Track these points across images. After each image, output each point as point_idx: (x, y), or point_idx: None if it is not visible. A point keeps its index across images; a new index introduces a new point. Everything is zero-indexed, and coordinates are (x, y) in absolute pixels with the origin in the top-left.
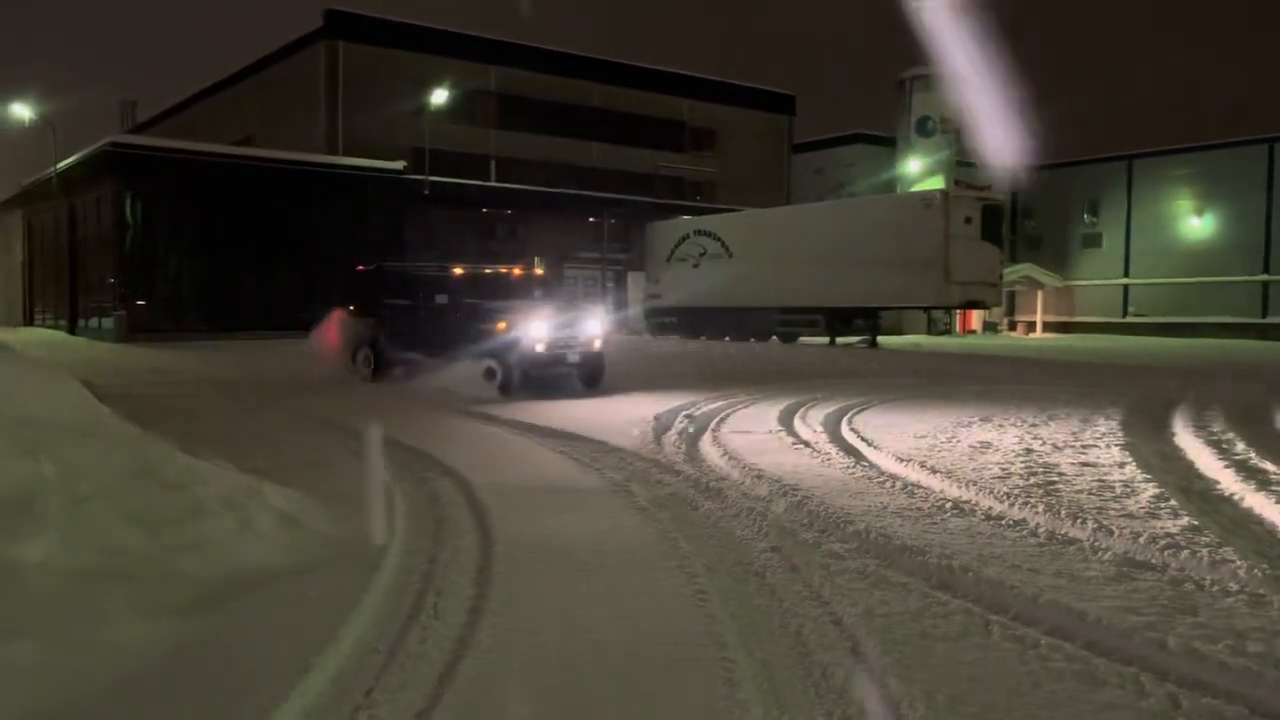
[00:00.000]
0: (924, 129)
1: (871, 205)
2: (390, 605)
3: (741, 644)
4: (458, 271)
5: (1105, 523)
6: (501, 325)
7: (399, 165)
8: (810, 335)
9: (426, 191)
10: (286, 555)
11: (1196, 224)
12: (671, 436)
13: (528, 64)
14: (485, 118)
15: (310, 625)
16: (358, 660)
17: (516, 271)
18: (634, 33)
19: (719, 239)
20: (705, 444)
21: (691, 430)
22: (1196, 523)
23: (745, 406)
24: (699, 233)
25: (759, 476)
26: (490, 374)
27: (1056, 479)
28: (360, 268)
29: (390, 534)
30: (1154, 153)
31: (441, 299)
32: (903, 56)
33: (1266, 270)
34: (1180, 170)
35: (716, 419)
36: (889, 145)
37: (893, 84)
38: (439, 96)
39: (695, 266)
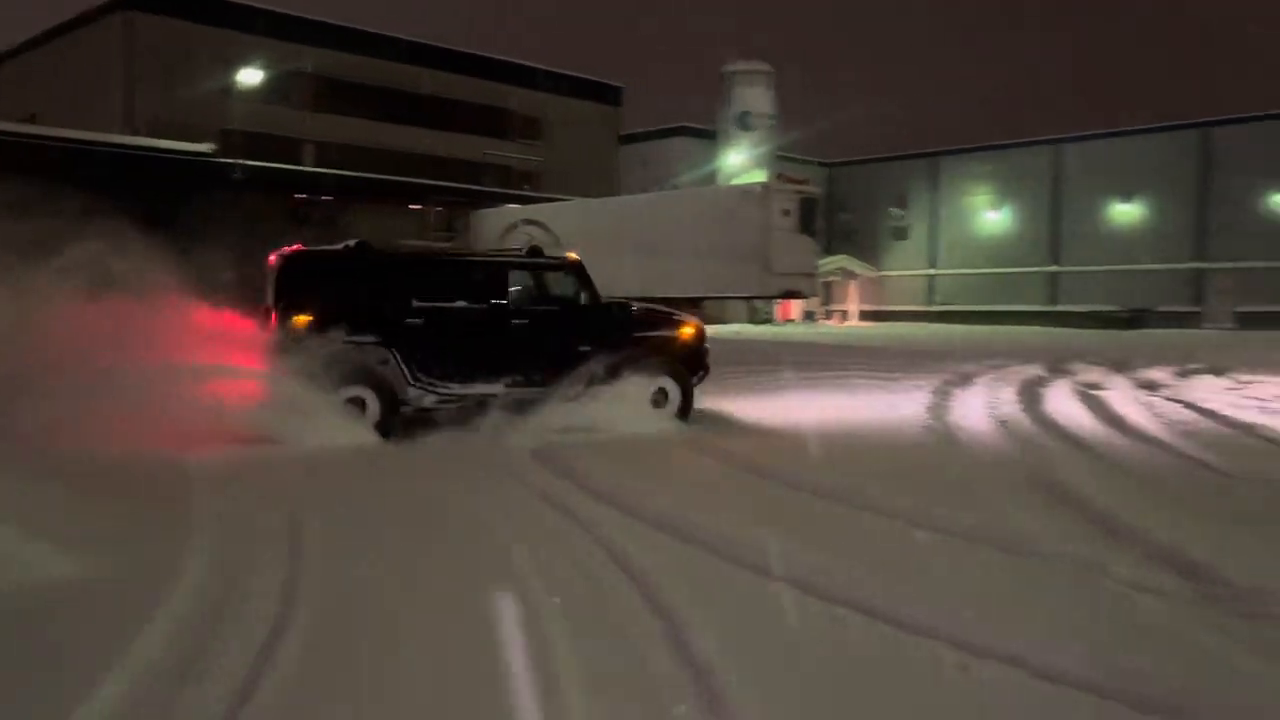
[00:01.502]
0: (744, 123)
1: (695, 197)
2: None
3: None
4: (498, 260)
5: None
6: (687, 329)
7: (206, 148)
8: None
9: (237, 176)
10: None
11: (995, 218)
12: None
13: (348, 46)
14: (303, 100)
15: None
16: None
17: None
18: (461, 18)
19: (547, 229)
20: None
21: None
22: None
23: None
24: (527, 222)
25: None
26: (660, 397)
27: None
28: (293, 253)
29: None
30: (957, 151)
31: (503, 299)
32: (726, 51)
33: (1055, 262)
34: (981, 168)
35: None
36: (712, 138)
37: (716, 78)
38: (250, 76)
39: None
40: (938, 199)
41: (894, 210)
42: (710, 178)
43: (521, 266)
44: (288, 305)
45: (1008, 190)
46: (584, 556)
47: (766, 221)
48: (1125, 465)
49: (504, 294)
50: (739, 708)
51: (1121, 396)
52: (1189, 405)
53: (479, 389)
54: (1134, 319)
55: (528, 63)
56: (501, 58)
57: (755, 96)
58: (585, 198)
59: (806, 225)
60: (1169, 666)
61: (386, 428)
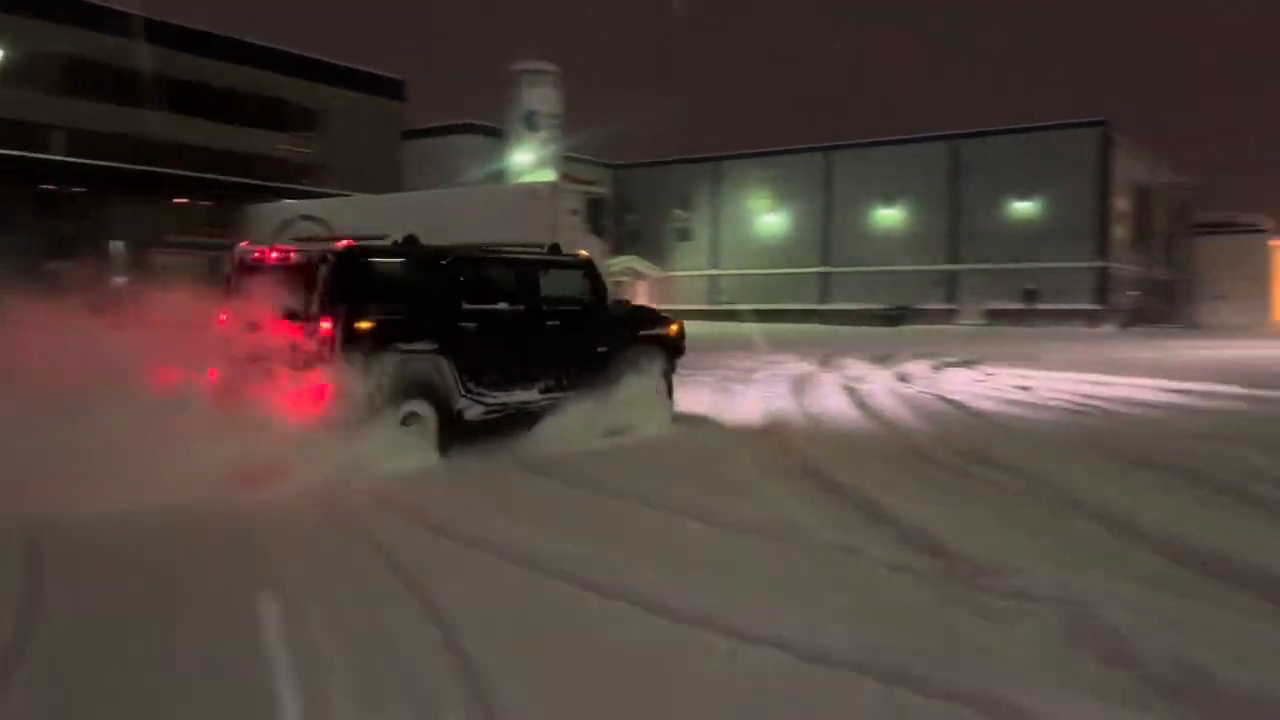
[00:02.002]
0: (531, 122)
1: (481, 195)
2: None
3: None
4: (533, 258)
5: None
6: (674, 325)
7: None
8: None
9: None
10: None
11: (773, 220)
12: None
13: (104, 26)
14: (49, 83)
15: None
16: None
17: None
18: (238, 4)
19: (326, 225)
20: None
21: None
22: None
23: None
24: (305, 217)
25: None
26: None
27: None
28: (344, 246)
29: None
30: (737, 155)
31: (539, 300)
32: (513, 49)
33: (826, 263)
34: (759, 172)
35: None
36: (499, 136)
37: (503, 76)
38: None
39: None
40: (719, 202)
41: (678, 212)
42: (498, 176)
43: (547, 265)
44: (349, 311)
45: (784, 194)
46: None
47: (554, 221)
48: (884, 454)
49: (539, 294)
50: (509, 709)
51: (882, 389)
52: (939, 396)
53: (518, 397)
54: (897, 316)
55: (305, 53)
56: (276, 46)
57: (542, 96)
58: (367, 194)
59: (594, 226)
60: (914, 639)
61: (445, 445)
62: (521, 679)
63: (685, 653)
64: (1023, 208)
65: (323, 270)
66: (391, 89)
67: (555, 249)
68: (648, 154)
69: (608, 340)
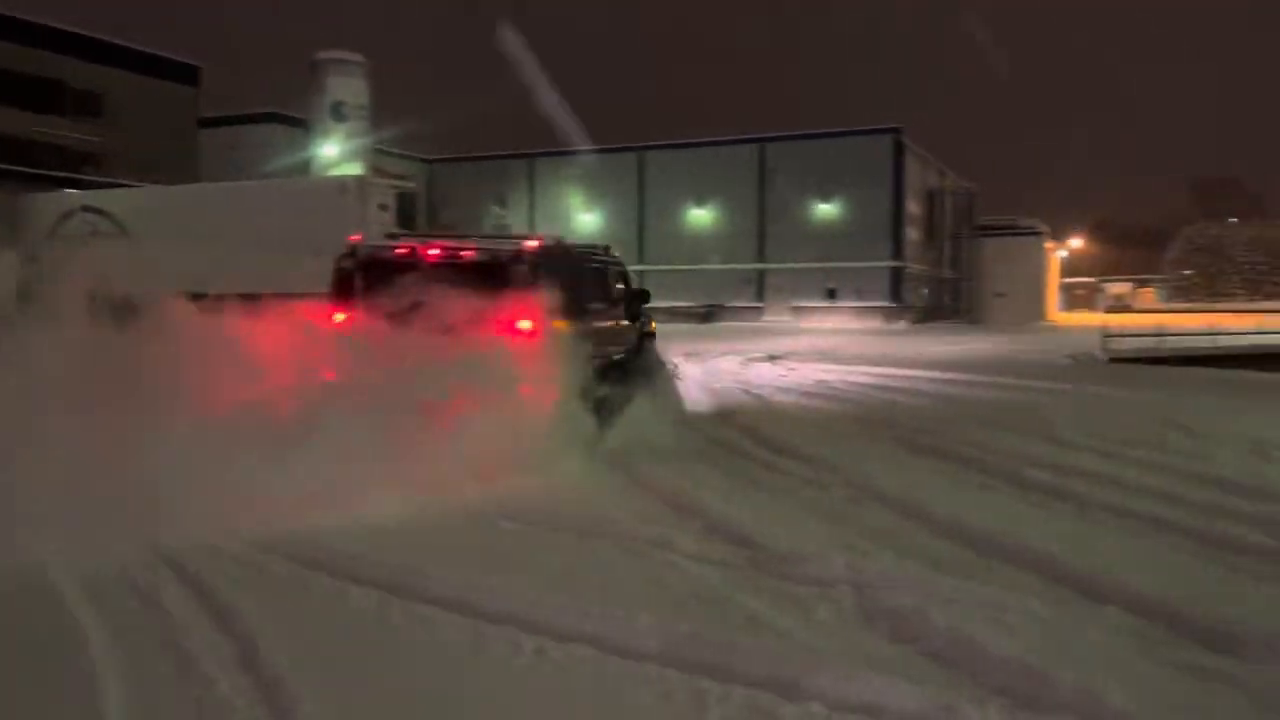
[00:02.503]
0: (338, 114)
1: (286, 188)
2: None
3: None
4: (611, 258)
5: None
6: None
7: None
8: None
9: None
10: None
11: (588, 219)
12: None
13: None
14: None
15: None
16: None
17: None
18: None
19: (112, 217)
20: None
21: None
22: None
23: None
24: (87, 209)
25: None
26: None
27: None
28: (536, 245)
29: None
30: (552, 153)
31: (620, 297)
32: (319, 37)
33: (640, 261)
34: (575, 170)
35: None
36: (305, 127)
37: (308, 65)
38: None
39: (85, 247)
40: (536, 199)
41: (497, 209)
42: (303, 168)
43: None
44: (552, 308)
45: (599, 192)
46: None
47: (363, 216)
48: (692, 449)
49: (616, 291)
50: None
51: (692, 384)
52: (745, 390)
53: (605, 388)
54: (709, 313)
55: (85, 32)
56: (53, 24)
57: (349, 87)
58: (160, 184)
59: (406, 221)
60: (718, 628)
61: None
62: (320, 683)
63: (493, 652)
64: (825, 209)
65: (520, 269)
66: (184, 74)
67: (607, 248)
68: (464, 149)
69: (645, 333)
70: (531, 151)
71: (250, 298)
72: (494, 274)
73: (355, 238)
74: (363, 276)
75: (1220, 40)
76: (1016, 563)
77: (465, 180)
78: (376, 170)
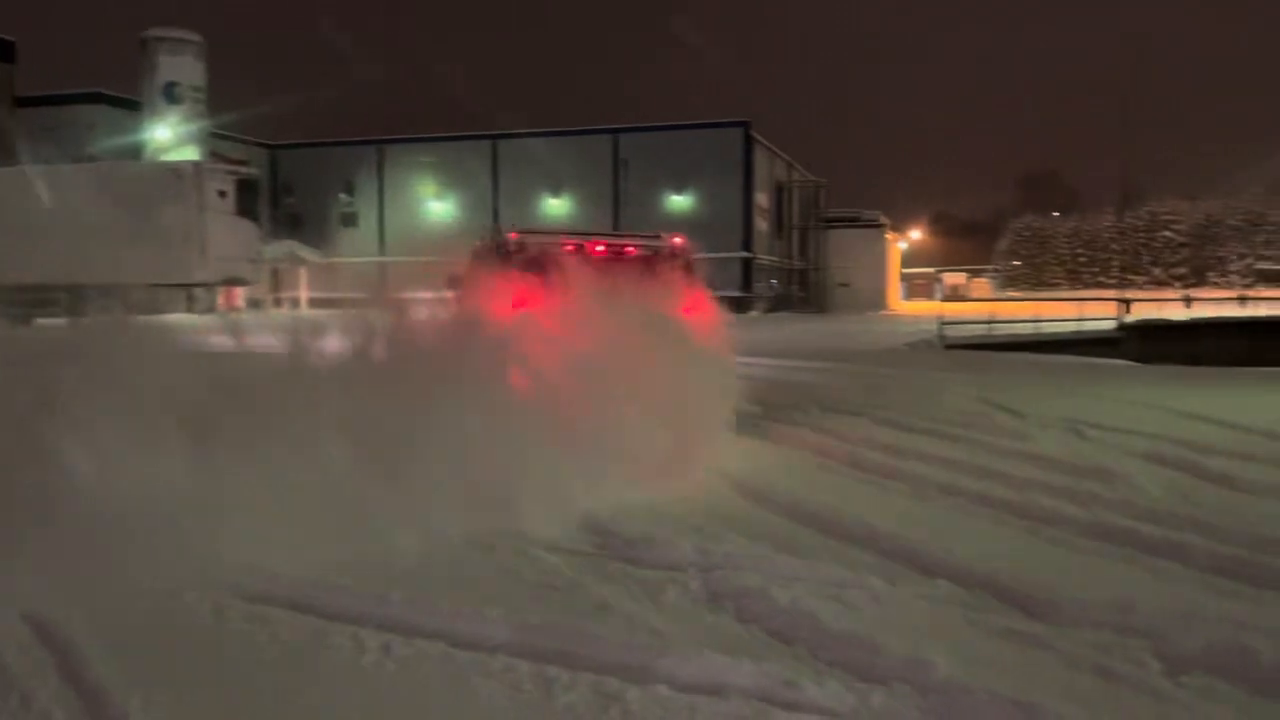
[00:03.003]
0: (172, 95)
1: (116, 173)
2: None
3: None
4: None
5: None
6: None
7: None
8: (49, 316)
9: None
10: None
11: (442, 207)
12: None
13: None
14: None
15: None
16: None
17: None
18: None
19: None
20: None
21: None
22: None
23: None
24: None
25: None
26: None
27: None
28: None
29: None
30: (402, 140)
31: None
32: (146, 13)
33: None
34: (424, 158)
35: None
36: (135, 108)
37: (138, 43)
38: None
39: None
40: (385, 186)
41: (343, 196)
42: (134, 152)
43: None
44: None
45: (452, 181)
46: None
47: (200, 203)
48: None
49: None
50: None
51: None
52: None
53: None
54: None
55: None
56: None
57: (183, 67)
58: None
59: (247, 208)
60: (568, 616)
61: None
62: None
63: (337, 651)
64: (678, 200)
65: (677, 262)
66: None
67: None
68: (310, 134)
69: None
70: (381, 138)
71: (74, 289)
72: (652, 267)
73: (514, 234)
74: (532, 270)
75: (1043, 45)
76: (855, 541)
77: (311, 167)
78: (214, 155)
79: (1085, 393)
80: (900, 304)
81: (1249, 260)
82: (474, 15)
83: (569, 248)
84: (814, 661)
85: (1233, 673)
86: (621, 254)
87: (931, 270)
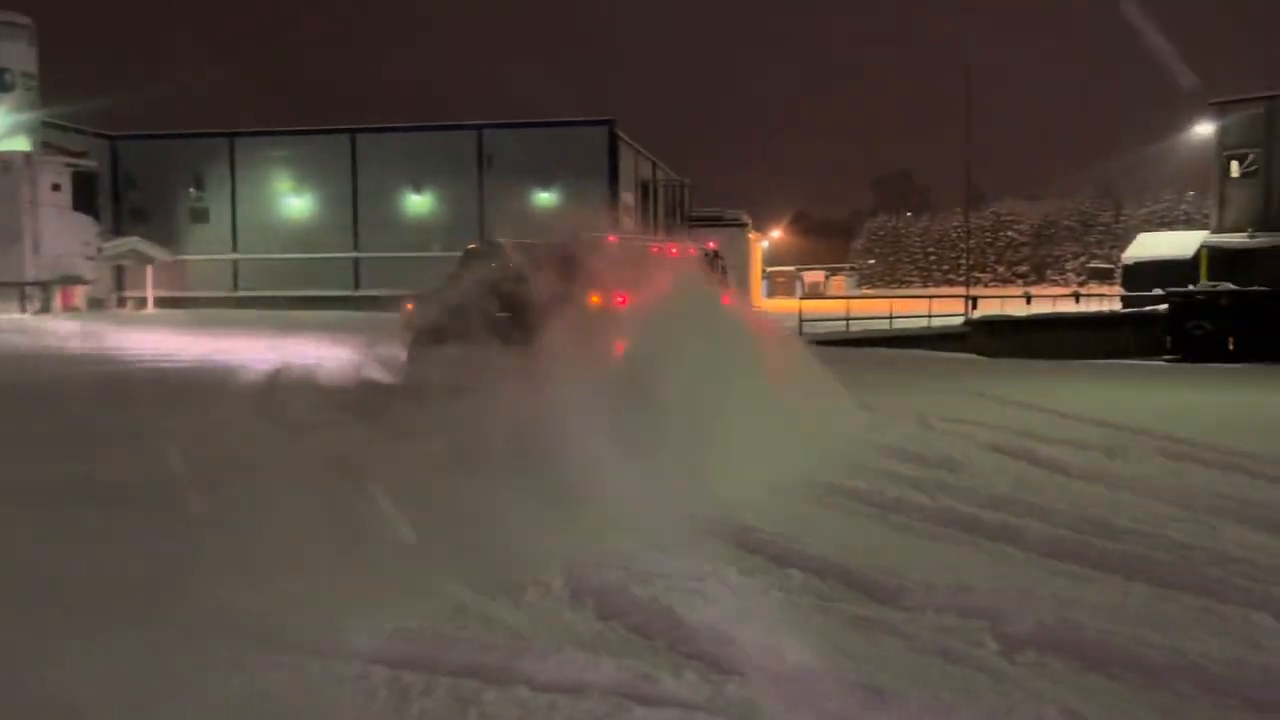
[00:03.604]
0: (1, 82)
1: None
2: None
3: None
4: None
5: None
6: None
7: None
8: None
9: None
10: None
11: (298, 203)
12: None
13: None
14: None
15: None
16: None
17: None
18: None
19: None
20: None
21: None
22: None
23: None
24: None
25: None
26: None
27: None
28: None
29: None
30: (255, 133)
31: None
32: None
33: (356, 248)
34: (279, 152)
35: None
36: None
37: None
38: None
39: None
40: (238, 181)
41: (192, 191)
42: None
43: None
44: None
45: (309, 176)
46: None
47: (33, 197)
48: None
49: None
50: None
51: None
52: None
53: None
54: None
55: None
56: None
57: (14, 52)
58: None
59: (85, 202)
60: (425, 620)
61: None
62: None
63: (184, 664)
64: (544, 197)
65: (718, 261)
66: None
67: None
68: (156, 125)
69: None
70: (233, 130)
71: None
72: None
73: (613, 238)
74: (624, 268)
75: (892, 54)
76: (716, 535)
77: (156, 160)
78: (48, 147)
79: (934, 386)
80: (763, 301)
81: (1083, 259)
82: (335, 9)
83: (655, 249)
84: (672, 655)
85: (1063, 648)
86: (686, 254)
87: (792, 268)
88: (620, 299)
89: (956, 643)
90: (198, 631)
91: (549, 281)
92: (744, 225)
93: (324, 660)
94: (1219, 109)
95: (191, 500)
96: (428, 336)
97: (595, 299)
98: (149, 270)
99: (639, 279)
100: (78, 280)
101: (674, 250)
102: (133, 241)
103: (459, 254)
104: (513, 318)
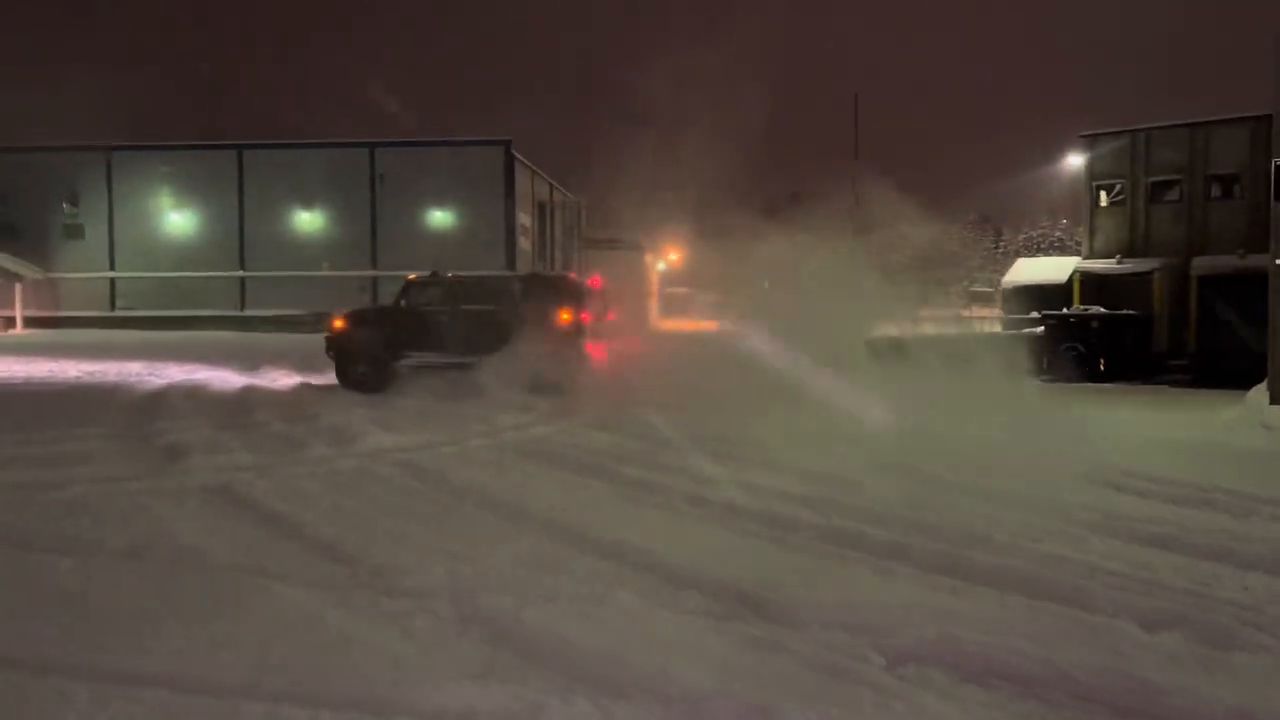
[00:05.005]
0: None
1: None
2: None
3: None
4: None
5: None
6: None
7: None
8: None
9: None
10: None
11: (179, 220)
12: None
13: None
14: None
15: None
16: None
17: None
18: None
19: None
20: None
21: None
22: None
23: None
24: None
25: None
26: None
27: None
28: None
29: None
30: (133, 147)
31: None
32: None
33: (243, 266)
34: (161, 167)
35: None
36: None
37: None
38: None
39: None
40: (116, 196)
41: (66, 206)
42: None
43: None
44: None
45: (193, 192)
46: None
47: None
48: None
49: None
50: None
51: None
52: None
53: None
54: (319, 321)
55: None
56: None
57: None
58: None
59: None
60: (310, 653)
61: None
62: None
63: (38, 706)
64: (439, 217)
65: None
66: None
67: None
68: (24, 138)
69: None
70: (110, 144)
71: None
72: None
73: (572, 275)
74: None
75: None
76: (609, 556)
77: (26, 173)
78: None
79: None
80: (660, 321)
81: (965, 283)
82: (226, 19)
83: (590, 282)
84: (564, 680)
85: (943, 662)
86: (597, 285)
87: (686, 291)
88: (584, 315)
89: (843, 659)
90: None
91: (513, 305)
92: (639, 248)
93: None
94: (1088, 141)
95: None
96: (375, 350)
97: (566, 316)
98: (18, 288)
99: (587, 303)
100: None
101: (596, 283)
102: (1, 259)
103: (358, 276)
104: (474, 334)
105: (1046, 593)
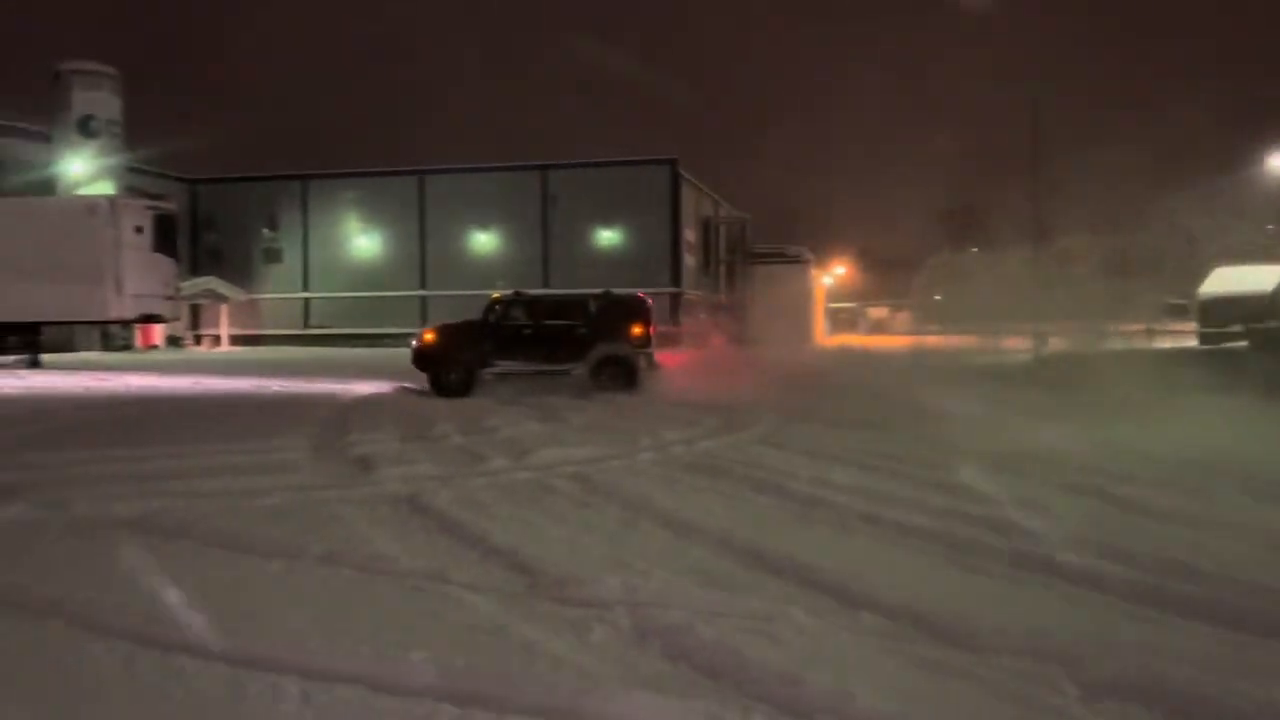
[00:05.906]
0: (87, 129)
1: (26, 209)
2: None
3: None
4: None
5: None
6: None
7: None
8: None
9: None
10: None
11: (365, 243)
12: None
13: None
14: None
15: None
16: None
17: None
18: None
19: None
20: None
21: None
22: None
23: None
24: None
25: None
26: None
27: None
28: None
29: None
30: (326, 174)
31: None
32: (60, 46)
33: (423, 286)
34: (348, 193)
35: None
36: (47, 141)
37: (50, 75)
38: None
39: None
40: (309, 221)
41: (266, 231)
42: (48, 186)
43: None
44: None
45: (378, 216)
46: None
47: (116, 239)
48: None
49: None
50: None
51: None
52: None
53: None
54: None
55: None
56: None
57: (99, 100)
58: None
59: (164, 244)
60: (493, 659)
61: None
62: None
63: (252, 700)
64: (607, 236)
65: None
66: None
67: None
68: (232, 169)
69: None
70: (305, 173)
71: None
72: None
73: (641, 294)
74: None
75: (953, 87)
76: (779, 574)
77: (232, 202)
78: (131, 190)
79: (1008, 425)
80: (826, 338)
81: (1155, 294)
82: (399, 52)
83: (641, 296)
84: (739, 696)
85: (1146, 698)
86: (649, 302)
87: (855, 305)
88: (652, 328)
89: (1033, 688)
90: None
91: (588, 319)
92: (805, 262)
93: None
94: None
95: None
96: (467, 359)
97: (638, 329)
98: (224, 309)
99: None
100: (158, 319)
101: (649, 300)
102: (209, 281)
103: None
104: (554, 346)
105: (1264, 629)
